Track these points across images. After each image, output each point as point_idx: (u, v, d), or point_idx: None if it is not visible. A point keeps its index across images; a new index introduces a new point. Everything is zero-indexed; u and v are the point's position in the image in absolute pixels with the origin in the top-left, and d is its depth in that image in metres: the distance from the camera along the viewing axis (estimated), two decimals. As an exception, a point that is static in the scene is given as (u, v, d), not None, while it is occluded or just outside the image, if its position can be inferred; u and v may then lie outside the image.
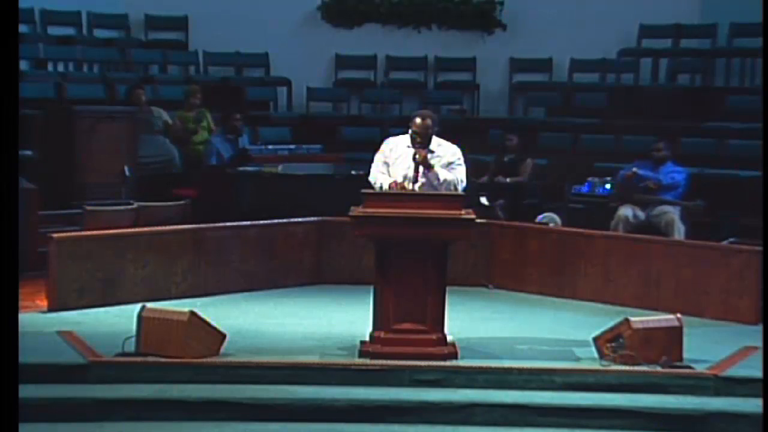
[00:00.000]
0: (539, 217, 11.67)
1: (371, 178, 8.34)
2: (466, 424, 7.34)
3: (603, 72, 15.89)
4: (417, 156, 8.17)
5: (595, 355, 8.06)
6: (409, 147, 8.30)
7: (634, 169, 11.66)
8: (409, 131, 8.28)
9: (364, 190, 8.01)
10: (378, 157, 8.37)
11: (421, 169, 8.18)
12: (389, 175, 8.28)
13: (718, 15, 15.39)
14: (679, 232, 11.25)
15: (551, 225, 11.42)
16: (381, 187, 8.24)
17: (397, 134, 8.53)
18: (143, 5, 15.82)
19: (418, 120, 8.28)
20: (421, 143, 8.22)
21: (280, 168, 12.60)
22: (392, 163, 8.30)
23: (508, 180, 12.71)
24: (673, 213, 11.41)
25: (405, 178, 8.23)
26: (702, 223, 11.56)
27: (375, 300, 7.95)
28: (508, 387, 7.64)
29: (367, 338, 7.98)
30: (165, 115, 13.34)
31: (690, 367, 7.85)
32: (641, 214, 11.50)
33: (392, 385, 7.61)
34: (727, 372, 7.80)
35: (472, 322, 9.14)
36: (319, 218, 10.78)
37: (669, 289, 9.86)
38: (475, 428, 7.31)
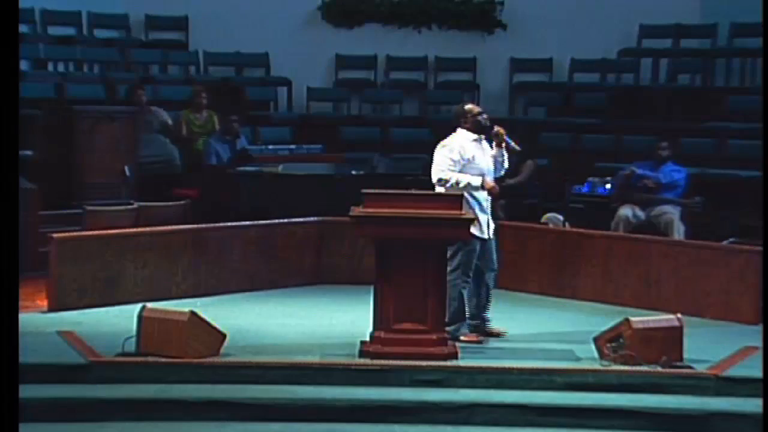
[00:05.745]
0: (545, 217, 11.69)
1: (443, 176, 8.35)
2: (467, 424, 7.34)
3: (603, 72, 15.89)
4: (499, 130, 8.53)
5: (595, 355, 8.06)
6: (474, 140, 8.47)
7: (632, 168, 11.66)
8: (474, 117, 8.51)
9: (365, 190, 8.01)
10: (449, 156, 8.39)
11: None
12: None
13: (718, 15, 15.39)
14: (679, 232, 11.26)
15: (551, 225, 11.42)
16: (468, 185, 8.32)
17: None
18: (143, 5, 15.81)
19: (471, 106, 8.65)
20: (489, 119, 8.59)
21: (280, 168, 12.59)
22: (471, 161, 8.40)
23: (511, 181, 12.72)
24: (672, 213, 11.42)
25: (483, 175, 8.41)
26: (702, 223, 11.56)
27: (375, 300, 7.95)
28: (508, 387, 7.64)
29: (368, 338, 7.98)
30: (165, 115, 13.33)
31: (690, 367, 7.85)
32: (641, 214, 11.50)
33: (393, 385, 7.61)
34: (727, 372, 7.80)
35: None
36: (319, 218, 10.78)
37: (669, 289, 9.86)
38: (476, 428, 7.32)
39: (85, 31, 15.54)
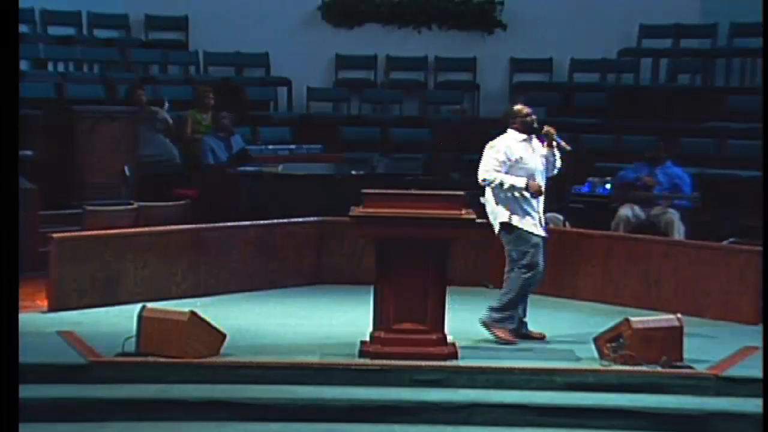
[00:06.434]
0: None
1: (488, 177, 8.42)
2: (467, 424, 7.35)
3: (603, 72, 15.90)
4: (549, 130, 8.54)
5: (595, 355, 8.06)
6: (523, 141, 8.51)
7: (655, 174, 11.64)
8: (522, 118, 8.55)
9: (365, 190, 8.01)
10: (495, 157, 8.44)
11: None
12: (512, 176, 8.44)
13: (718, 15, 15.40)
14: (679, 232, 11.26)
15: (551, 225, 11.41)
16: (512, 186, 8.37)
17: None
18: (143, 5, 15.81)
19: (519, 106, 8.69)
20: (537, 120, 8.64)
21: (280, 168, 12.60)
22: (518, 161, 8.43)
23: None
24: (672, 213, 11.42)
25: (532, 175, 8.44)
26: (702, 223, 11.56)
27: (375, 300, 7.96)
28: (508, 387, 7.64)
29: (368, 338, 7.98)
30: (165, 115, 13.33)
31: (690, 367, 7.85)
32: (641, 214, 11.50)
33: (393, 385, 7.61)
34: (727, 372, 7.80)
35: (472, 322, 9.12)
36: (319, 218, 10.78)
37: (669, 289, 9.86)
38: (476, 428, 7.32)
39: (85, 31, 15.54)
